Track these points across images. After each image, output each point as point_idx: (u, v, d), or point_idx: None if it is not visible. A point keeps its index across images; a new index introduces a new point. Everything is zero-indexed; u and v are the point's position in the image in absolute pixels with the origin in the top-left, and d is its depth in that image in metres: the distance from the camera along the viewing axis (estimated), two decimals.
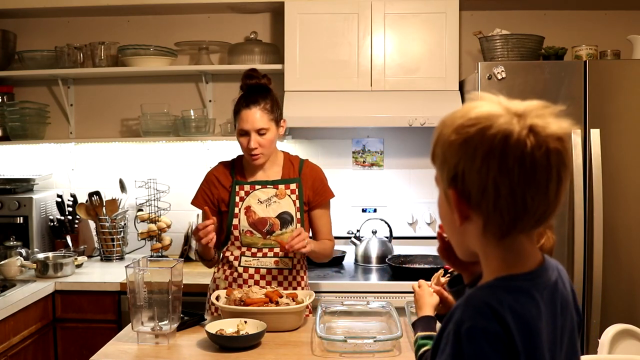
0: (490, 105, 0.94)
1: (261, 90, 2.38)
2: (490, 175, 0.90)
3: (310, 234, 2.51)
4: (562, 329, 1.00)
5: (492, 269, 0.98)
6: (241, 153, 2.50)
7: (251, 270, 2.39)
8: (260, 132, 2.33)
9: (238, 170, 2.46)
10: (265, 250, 2.39)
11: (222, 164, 2.50)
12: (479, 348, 0.87)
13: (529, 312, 0.91)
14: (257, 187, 2.41)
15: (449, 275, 1.59)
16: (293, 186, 2.42)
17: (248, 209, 2.39)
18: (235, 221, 2.39)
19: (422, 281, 1.73)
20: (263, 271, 2.39)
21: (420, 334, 1.54)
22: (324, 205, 2.49)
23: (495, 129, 0.90)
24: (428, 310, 1.65)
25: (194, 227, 3.35)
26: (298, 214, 2.41)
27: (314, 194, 2.44)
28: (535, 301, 0.93)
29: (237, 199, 2.40)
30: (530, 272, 0.96)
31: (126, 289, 2.75)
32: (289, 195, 2.41)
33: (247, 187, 2.41)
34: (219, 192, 2.43)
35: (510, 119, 0.91)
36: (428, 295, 1.68)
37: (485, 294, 0.93)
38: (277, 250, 2.39)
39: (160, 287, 2.05)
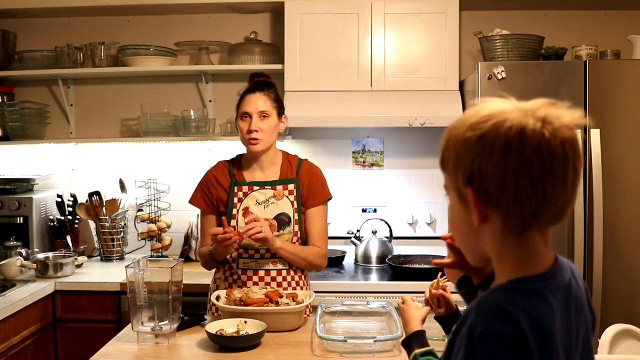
0: (500, 103, 0.95)
1: (266, 83, 2.43)
2: (509, 169, 0.90)
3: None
4: (577, 329, 0.99)
5: (505, 271, 0.97)
6: (240, 152, 2.49)
7: (249, 272, 2.39)
8: (262, 114, 2.34)
9: (237, 170, 2.45)
10: (263, 251, 2.38)
11: (221, 163, 2.50)
12: (492, 352, 0.86)
13: (542, 314, 0.91)
14: (255, 188, 2.41)
15: (445, 277, 1.57)
16: (291, 187, 2.42)
17: (246, 210, 2.38)
18: (233, 222, 2.38)
19: (405, 296, 1.71)
20: (261, 272, 2.39)
21: (417, 351, 1.50)
22: (317, 206, 2.44)
23: (509, 122, 0.91)
24: (416, 324, 1.61)
25: (194, 228, 3.35)
26: (296, 215, 2.40)
27: (308, 193, 2.43)
28: (548, 303, 0.93)
29: (236, 200, 2.40)
30: (543, 274, 0.96)
31: (126, 289, 2.75)
32: (287, 196, 2.41)
33: (245, 188, 2.41)
34: (218, 192, 2.43)
35: (523, 113, 0.92)
36: (414, 309, 1.66)
37: (498, 297, 0.92)
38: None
39: (160, 287, 2.05)
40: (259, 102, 2.35)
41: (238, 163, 2.48)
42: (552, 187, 0.91)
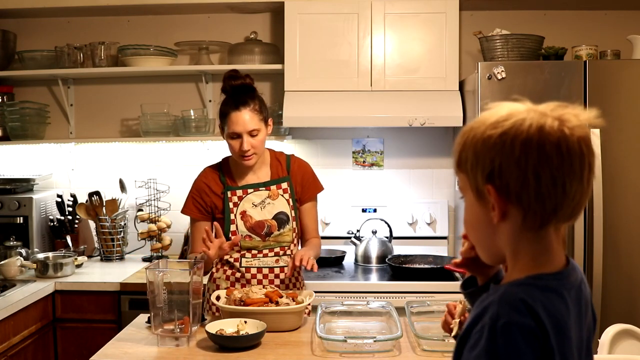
0: (516, 105, 0.98)
1: (247, 91, 2.34)
2: (530, 165, 0.92)
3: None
4: (585, 329, 1.02)
5: (520, 267, 0.99)
6: (227, 155, 2.47)
7: (253, 270, 2.39)
8: (252, 133, 2.30)
9: (227, 175, 2.43)
10: (266, 251, 2.39)
11: (209, 169, 2.46)
12: (515, 343, 0.88)
13: (559, 310, 0.93)
14: (249, 190, 2.40)
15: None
16: (284, 185, 2.42)
17: (244, 213, 2.38)
18: (232, 227, 2.38)
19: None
20: (265, 270, 2.39)
21: None
22: (311, 200, 2.49)
23: (529, 121, 0.94)
24: None
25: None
26: (293, 212, 2.42)
27: (302, 189, 2.45)
28: (564, 300, 0.95)
29: (231, 205, 2.39)
30: (559, 272, 0.98)
31: (126, 289, 2.75)
32: (282, 195, 2.41)
33: (239, 192, 2.40)
34: (211, 199, 2.41)
35: (540, 114, 0.95)
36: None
37: (520, 291, 0.94)
38: (277, 250, 2.40)
39: (180, 288, 2.02)
40: (246, 121, 2.28)
41: (227, 167, 2.45)
42: (570, 183, 0.93)
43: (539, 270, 0.97)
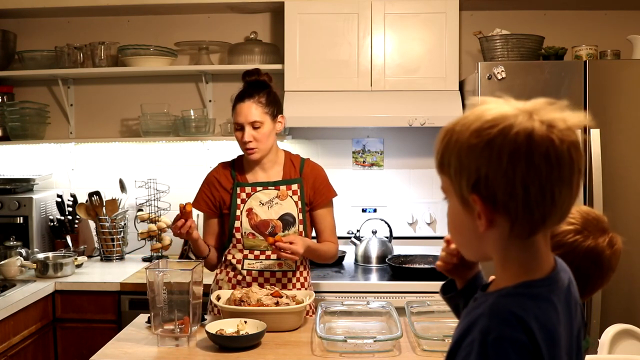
0: (502, 106, 0.93)
1: (258, 85, 2.38)
2: (518, 175, 0.88)
3: (314, 234, 2.51)
4: (576, 328, 1.01)
5: (509, 275, 0.96)
6: (241, 153, 2.49)
7: (255, 273, 2.39)
8: (254, 125, 2.32)
9: (239, 171, 2.44)
10: (268, 252, 2.38)
11: (222, 164, 2.49)
12: (507, 358, 0.86)
13: (551, 320, 0.91)
14: (258, 188, 2.40)
15: None
16: (295, 187, 2.41)
17: (250, 211, 2.38)
18: (237, 224, 2.38)
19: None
20: (267, 274, 2.38)
21: None
22: (325, 205, 2.46)
23: (516, 127, 0.89)
24: None
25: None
26: (300, 215, 2.40)
27: (314, 194, 2.43)
28: (555, 307, 0.94)
29: (239, 201, 2.39)
30: (548, 277, 0.96)
31: (126, 289, 2.75)
32: (291, 197, 2.40)
33: (248, 189, 2.40)
34: (220, 194, 2.42)
35: (528, 117, 0.90)
36: None
37: (510, 302, 0.91)
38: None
39: (180, 288, 2.02)
40: (249, 112, 2.32)
41: (239, 164, 2.47)
42: (559, 192, 0.90)
43: (528, 277, 0.94)
